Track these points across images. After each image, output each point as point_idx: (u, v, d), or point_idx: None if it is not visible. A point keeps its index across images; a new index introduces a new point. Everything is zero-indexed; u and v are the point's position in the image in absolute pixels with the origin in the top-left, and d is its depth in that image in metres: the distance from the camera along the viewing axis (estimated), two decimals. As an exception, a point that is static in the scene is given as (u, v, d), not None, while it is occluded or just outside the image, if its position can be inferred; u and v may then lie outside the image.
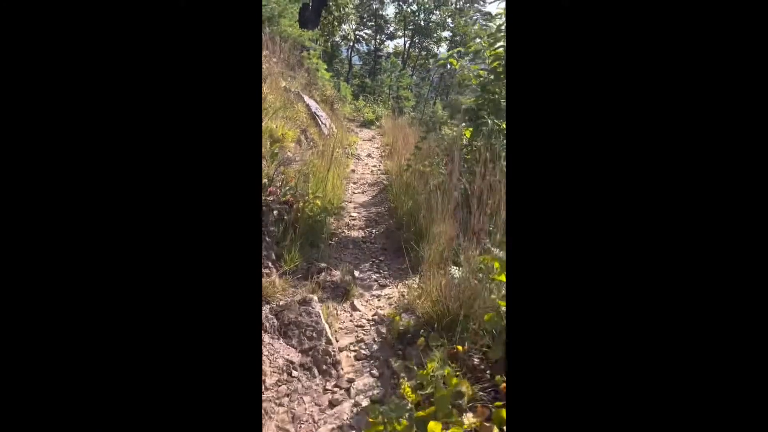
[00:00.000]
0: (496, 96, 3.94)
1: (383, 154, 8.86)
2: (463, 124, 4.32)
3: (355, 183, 6.14)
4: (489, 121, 3.93)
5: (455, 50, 4.55)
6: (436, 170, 4.90)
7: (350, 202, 5.15)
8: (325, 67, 9.75)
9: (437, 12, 22.92)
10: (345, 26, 21.32)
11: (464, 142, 4.58)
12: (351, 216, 4.63)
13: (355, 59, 24.82)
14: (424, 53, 23.74)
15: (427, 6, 22.68)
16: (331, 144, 6.14)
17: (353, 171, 7.04)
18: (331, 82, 10.65)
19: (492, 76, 3.96)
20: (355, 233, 4.17)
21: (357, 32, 23.80)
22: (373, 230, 4.19)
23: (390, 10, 23.30)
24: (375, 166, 7.68)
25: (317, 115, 7.67)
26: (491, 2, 22.13)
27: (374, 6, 23.34)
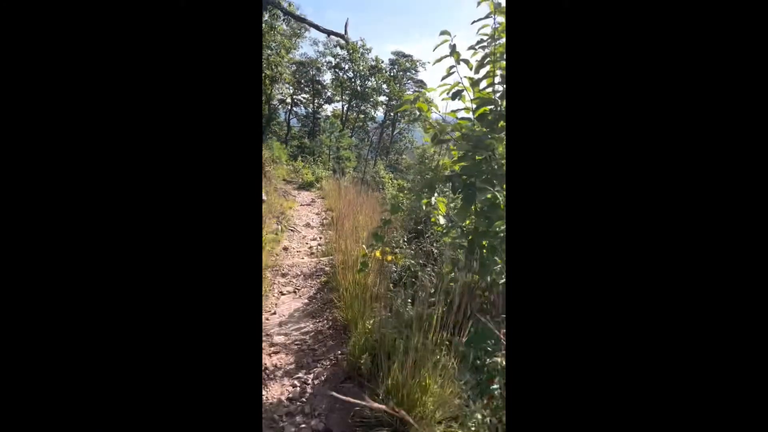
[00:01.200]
0: (493, 155, 2.42)
1: (325, 221, 7.10)
2: (439, 195, 2.73)
3: (285, 275, 4.24)
4: (487, 190, 2.37)
5: (422, 92, 2.98)
6: (404, 258, 3.21)
7: (274, 313, 3.25)
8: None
9: (372, 78, 22.87)
10: (279, 86, 20.25)
11: (440, 218, 2.99)
12: (272, 342, 2.72)
13: (294, 122, 23.67)
14: (362, 116, 23.26)
15: (363, 73, 22.57)
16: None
17: (285, 250, 5.16)
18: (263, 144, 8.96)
19: (482, 127, 2.45)
20: (273, 389, 2.21)
21: (294, 96, 22.88)
22: (308, 378, 2.27)
23: (327, 76, 22.66)
24: (315, 240, 5.87)
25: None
26: (423, 71, 22.52)
27: (311, 72, 22.78)
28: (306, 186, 10.58)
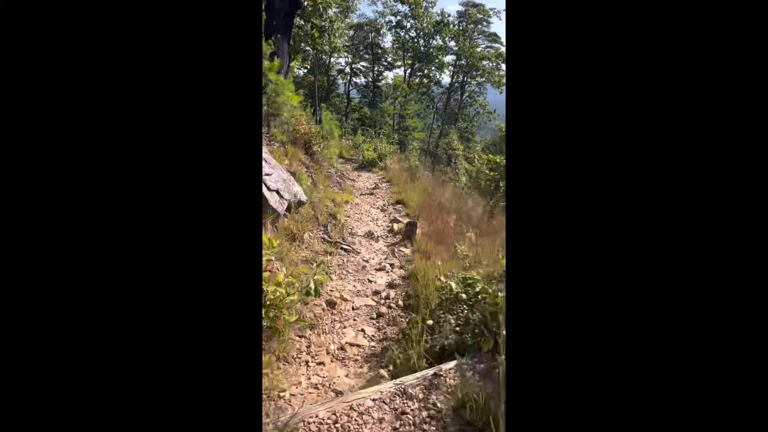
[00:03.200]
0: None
1: (395, 225, 4.49)
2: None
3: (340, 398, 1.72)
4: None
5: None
6: None
7: None
8: (293, 88, 5.48)
9: (437, 36, 19.14)
10: (338, 58, 17.51)
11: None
12: None
13: (353, 93, 20.97)
14: (426, 80, 19.80)
15: (427, 31, 18.92)
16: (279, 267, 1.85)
17: (331, 307, 2.65)
18: (304, 114, 6.32)
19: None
20: None
21: (353, 65, 20.04)
22: None
23: (387, 39, 19.39)
24: (383, 269, 3.32)
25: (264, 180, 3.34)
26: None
27: (370, 36, 19.66)
28: (367, 165, 8.03)
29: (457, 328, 1.87)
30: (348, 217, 4.73)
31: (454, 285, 2.22)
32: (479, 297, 2.05)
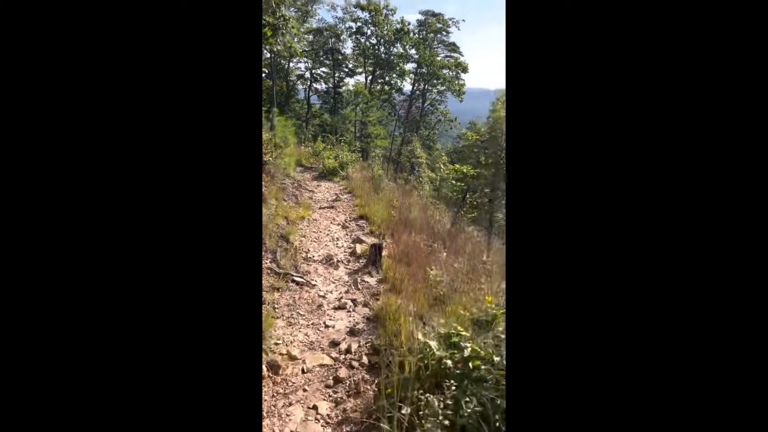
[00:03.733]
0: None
1: (360, 247, 3.89)
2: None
3: None
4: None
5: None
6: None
7: None
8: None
9: (398, 44, 18.86)
10: (295, 60, 16.60)
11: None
12: None
13: (314, 99, 20.07)
14: (387, 87, 19.41)
15: (387, 38, 18.59)
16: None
17: (285, 363, 1.99)
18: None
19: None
20: None
21: (313, 70, 19.22)
22: None
23: (348, 45, 18.80)
24: (345, 307, 2.70)
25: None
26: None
27: (330, 41, 18.97)
28: (327, 174, 7.36)
29: (446, 422, 1.30)
30: (303, 237, 4.07)
31: (434, 346, 1.66)
32: (470, 365, 1.50)
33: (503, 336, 1.71)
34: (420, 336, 1.78)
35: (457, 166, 6.47)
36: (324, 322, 2.51)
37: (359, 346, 2.25)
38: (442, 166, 9.60)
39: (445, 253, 4.19)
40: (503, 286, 4.04)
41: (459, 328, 1.73)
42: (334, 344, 2.29)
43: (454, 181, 6.47)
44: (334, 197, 6.05)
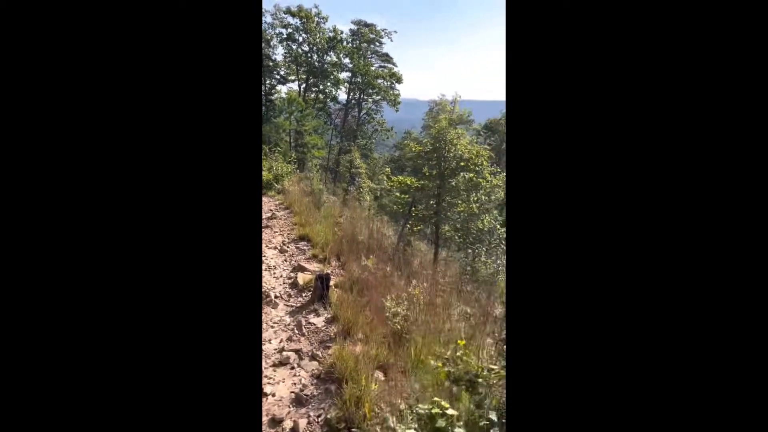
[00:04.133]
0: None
1: (301, 276, 3.34)
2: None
3: None
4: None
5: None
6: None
7: None
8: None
9: (331, 52, 18.43)
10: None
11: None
12: None
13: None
14: (321, 96, 18.82)
15: (320, 46, 18.06)
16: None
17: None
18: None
19: None
20: None
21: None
22: None
23: (279, 52, 17.89)
24: (296, 388, 2.13)
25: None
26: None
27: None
28: (261, 188, 6.59)
29: None
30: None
31: (417, 436, 1.23)
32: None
33: (503, 399, 1.34)
34: (392, 421, 1.33)
35: (401, 177, 6.21)
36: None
37: (309, 423, 1.73)
38: (385, 178, 9.34)
39: (396, 276, 3.81)
40: (463, 308, 3.76)
41: (443, 404, 1.32)
42: (276, 422, 1.74)
43: (398, 194, 6.18)
44: (269, 214, 5.37)
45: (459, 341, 1.86)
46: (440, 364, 1.75)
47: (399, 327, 2.68)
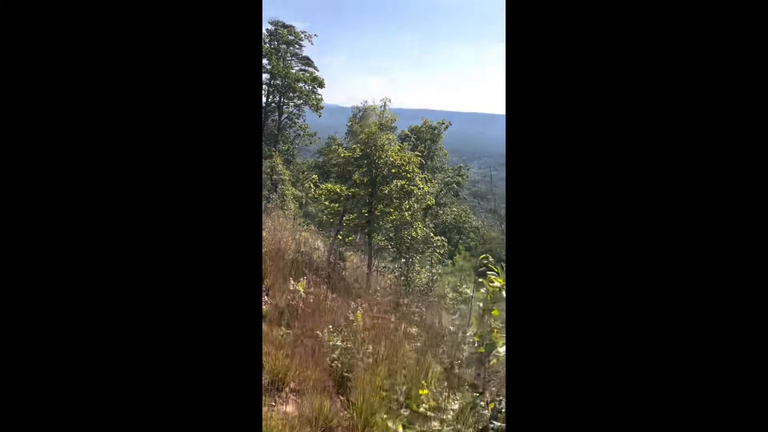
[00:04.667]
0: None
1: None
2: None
3: None
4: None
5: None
6: None
7: None
8: None
9: (247, 52, 17.11)
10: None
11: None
12: None
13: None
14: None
15: (234, 44, 16.64)
16: None
17: None
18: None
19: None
20: None
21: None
22: None
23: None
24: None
25: None
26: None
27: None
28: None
29: None
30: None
31: None
32: None
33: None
34: None
35: (330, 185, 5.79)
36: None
37: None
38: (312, 186, 8.79)
39: (331, 298, 3.37)
40: (406, 328, 3.47)
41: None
42: None
43: (327, 202, 5.73)
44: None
45: (421, 391, 1.52)
46: (399, 428, 1.39)
47: (340, 365, 2.26)
